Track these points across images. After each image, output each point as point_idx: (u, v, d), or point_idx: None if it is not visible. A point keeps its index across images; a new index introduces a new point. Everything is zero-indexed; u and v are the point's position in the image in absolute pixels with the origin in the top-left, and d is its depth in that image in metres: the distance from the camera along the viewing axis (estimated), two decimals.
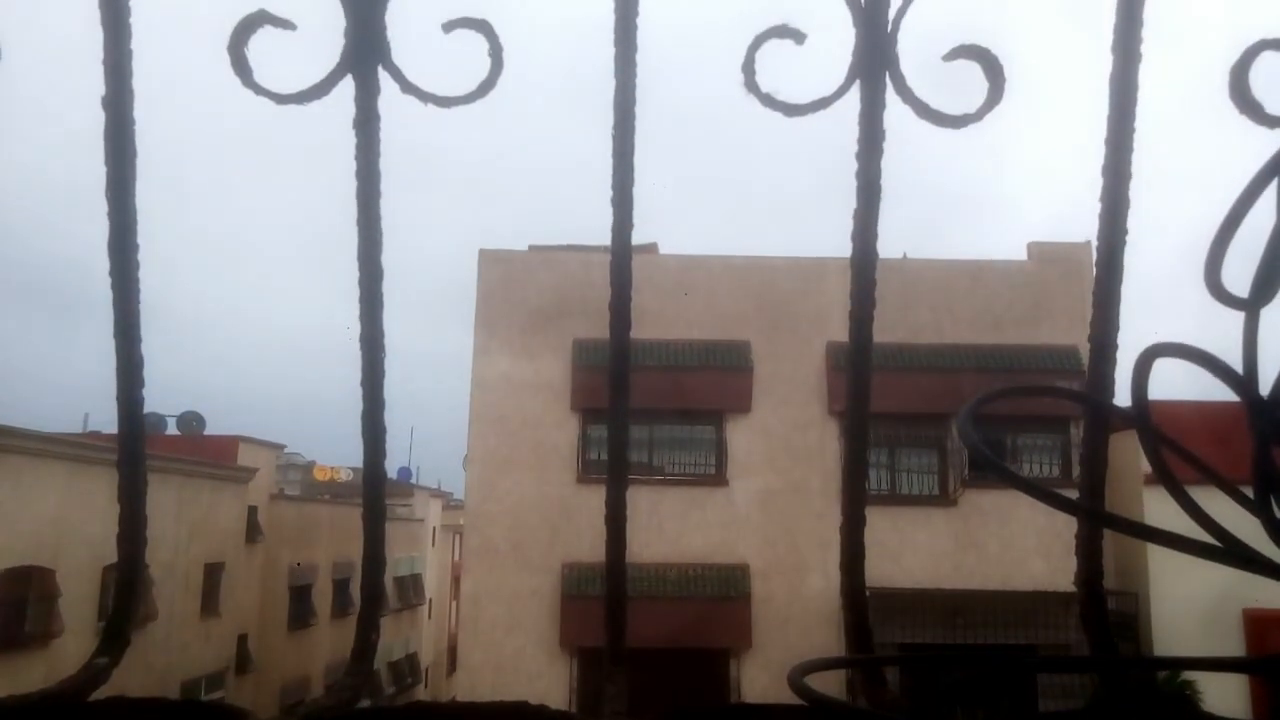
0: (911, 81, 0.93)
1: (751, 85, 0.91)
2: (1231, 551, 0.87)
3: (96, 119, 0.94)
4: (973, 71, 0.92)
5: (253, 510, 26.42)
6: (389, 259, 1.01)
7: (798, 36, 0.91)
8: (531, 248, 17.31)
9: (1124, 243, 0.94)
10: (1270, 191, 0.87)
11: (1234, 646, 13.71)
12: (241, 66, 0.90)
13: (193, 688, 22.07)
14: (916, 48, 0.94)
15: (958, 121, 0.92)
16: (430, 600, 38.91)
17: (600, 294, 1.11)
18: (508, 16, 0.94)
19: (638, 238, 1.01)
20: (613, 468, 1.02)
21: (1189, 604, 13.66)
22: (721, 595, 15.21)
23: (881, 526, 13.68)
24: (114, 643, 0.94)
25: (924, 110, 0.92)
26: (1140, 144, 0.93)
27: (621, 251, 0.99)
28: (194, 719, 0.89)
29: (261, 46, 0.91)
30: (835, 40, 0.94)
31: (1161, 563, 13.83)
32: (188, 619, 22.22)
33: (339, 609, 30.24)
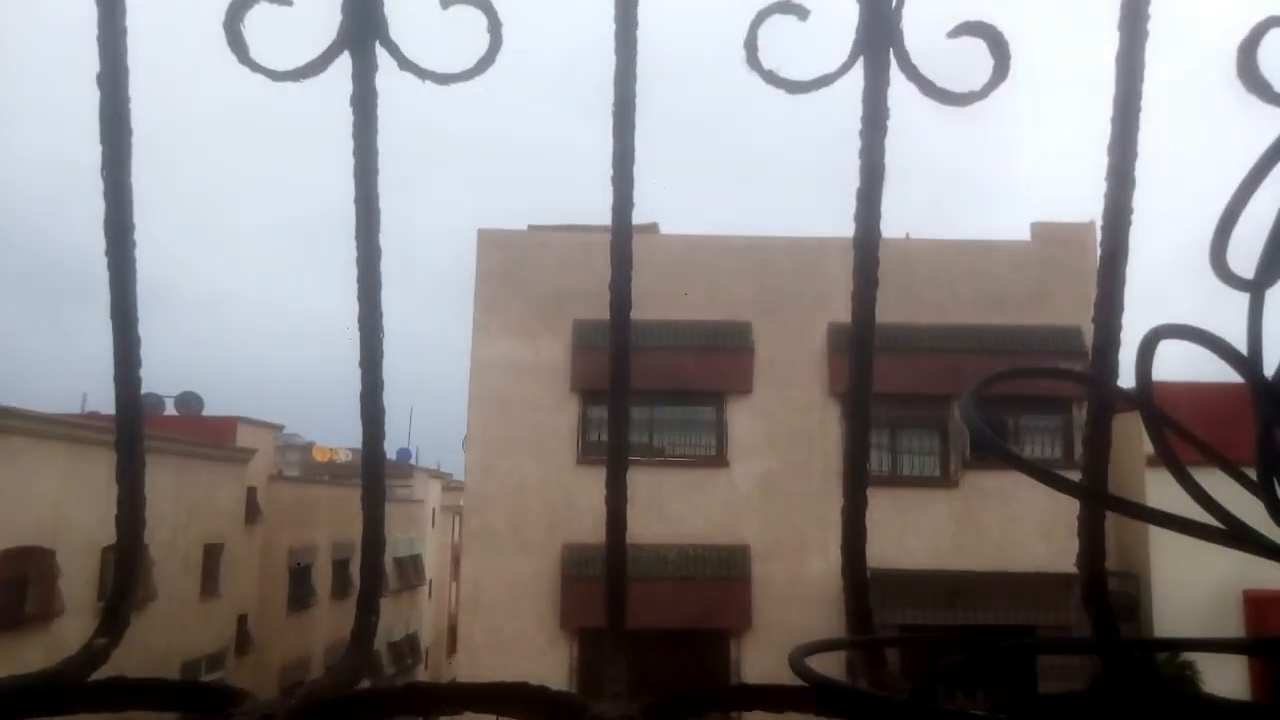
0: (917, 59, 0.91)
1: (754, 62, 0.90)
2: (1234, 534, 0.87)
3: (92, 98, 0.93)
4: (977, 52, 0.90)
5: (252, 491, 26.49)
6: (387, 238, 1.01)
7: (801, 12, 0.90)
8: (531, 228, 17.26)
9: (1129, 223, 0.93)
10: (1277, 173, 0.86)
11: (1234, 628, 13.78)
12: (237, 43, 0.89)
13: (193, 668, 22.20)
14: (921, 26, 0.93)
15: (962, 99, 0.91)
16: (430, 581, 39.09)
17: (600, 274, 1.10)
18: None
19: (638, 217, 1.00)
20: (613, 449, 1.02)
21: (1190, 586, 13.73)
22: (722, 576, 15.27)
23: (882, 508, 13.61)
24: (114, 623, 0.94)
25: (928, 88, 0.91)
26: (1146, 123, 0.92)
27: (621, 231, 0.98)
28: (194, 699, 0.89)
29: (258, 24, 0.89)
30: (839, 17, 0.93)
31: (1163, 545, 13.88)
32: (187, 599, 22.33)
33: (339, 590, 30.38)
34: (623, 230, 0.98)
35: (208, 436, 24.90)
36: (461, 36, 0.90)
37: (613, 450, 1.01)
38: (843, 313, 1.13)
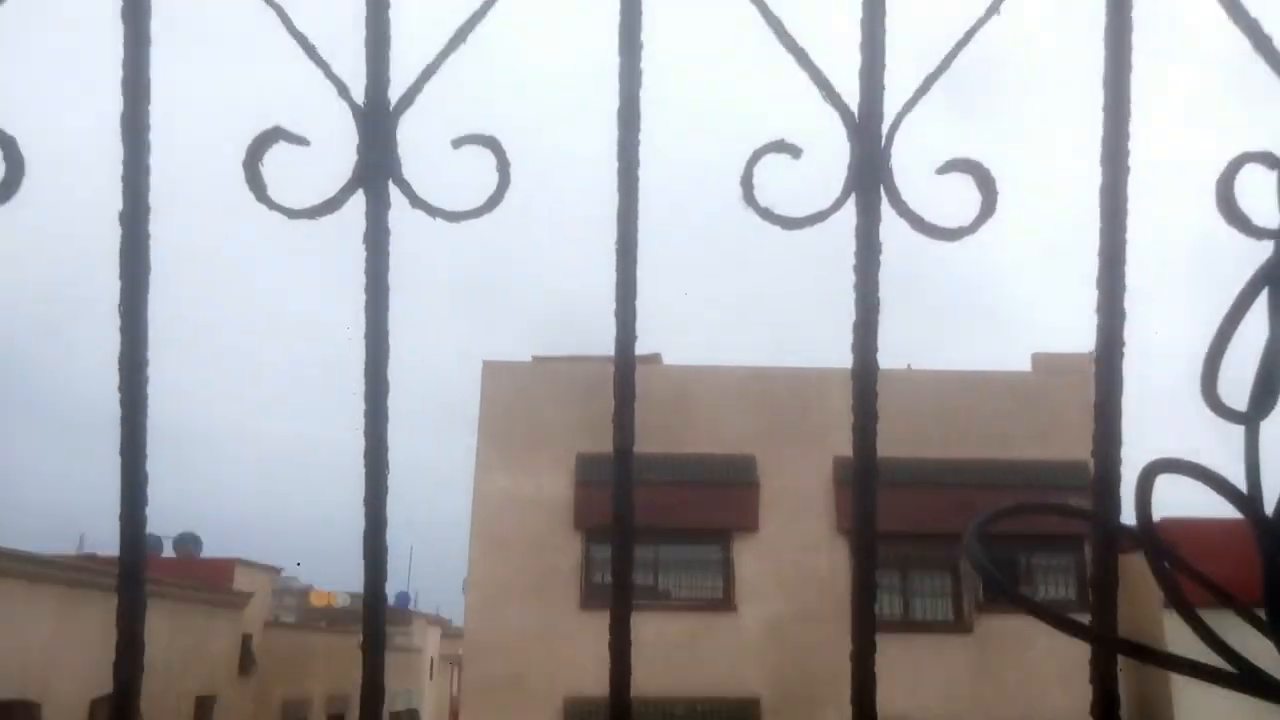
0: (908, 194, 0.95)
1: (750, 199, 0.94)
2: (1245, 678, 0.83)
3: (92, 234, 0.96)
4: (967, 184, 0.94)
5: (247, 639, 25.70)
6: (393, 372, 1.02)
7: (794, 151, 0.94)
8: (535, 359, 17.33)
9: (1122, 354, 0.94)
10: (1261, 304, 0.88)
11: None
12: (256, 182, 0.93)
13: None
14: (915, 156, 0.97)
15: (952, 234, 0.94)
16: None
17: (604, 405, 1.11)
18: (515, 138, 0.97)
19: (641, 349, 1.02)
20: (617, 596, 1.00)
21: None
22: None
23: (895, 654, 13.22)
24: None
25: (919, 224, 0.94)
26: (1134, 255, 0.94)
27: (624, 363, 0.99)
28: None
29: (274, 160, 0.93)
30: (832, 150, 0.97)
31: (1190, 694, 13.30)
32: None
33: None
34: (625, 361, 0.99)
35: (205, 579, 24.38)
36: (469, 172, 0.94)
37: (616, 598, 0.99)
38: (846, 446, 1.13)
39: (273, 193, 0.93)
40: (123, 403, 0.95)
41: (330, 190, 0.94)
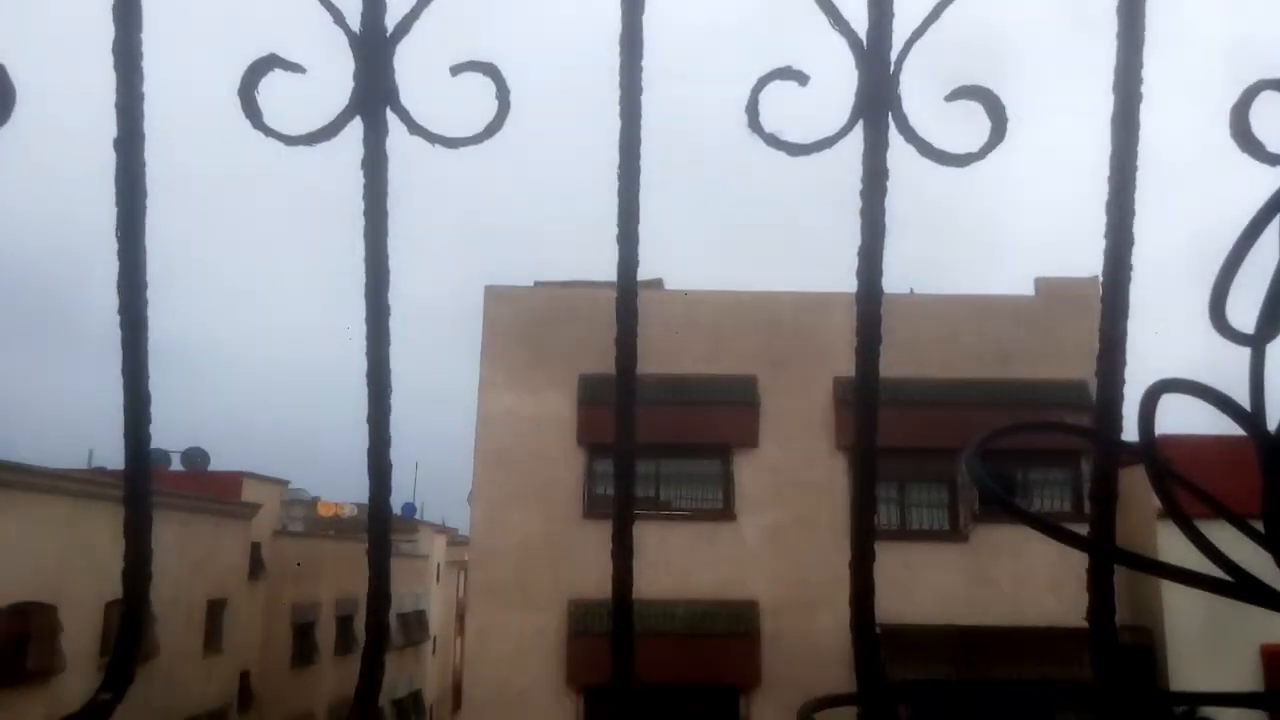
0: (915, 120, 0.94)
1: (755, 126, 0.92)
2: (1241, 587, 0.86)
3: (98, 156, 0.95)
4: (976, 110, 0.92)
5: (256, 547, 26.30)
6: (394, 295, 1.02)
7: (801, 79, 0.92)
8: (537, 284, 17.38)
9: (1129, 279, 0.94)
10: (1273, 228, 0.87)
11: (1252, 682, 13.51)
12: (251, 108, 0.92)
13: None
14: (922, 81, 0.95)
15: (960, 160, 0.93)
16: (435, 637, 38.58)
17: (606, 329, 1.11)
18: (513, 56, 0.95)
19: (643, 273, 1.02)
20: (619, 503, 1.02)
21: (1205, 639, 13.48)
22: (730, 632, 15.06)
23: (892, 562, 13.49)
24: (118, 679, 0.94)
25: (927, 149, 0.93)
26: (1144, 180, 0.93)
27: (627, 287, 0.99)
28: None
29: (271, 88, 0.92)
30: (839, 78, 0.95)
31: (1176, 598, 13.67)
32: (190, 656, 22.05)
33: (342, 646, 29.99)
34: (628, 285, 0.99)
35: (213, 492, 24.82)
36: (470, 99, 0.92)
37: (619, 504, 1.01)
38: (847, 367, 1.14)
39: (270, 120, 0.91)
40: (123, 324, 0.96)
41: (327, 117, 0.93)
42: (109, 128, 0.93)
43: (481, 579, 15.79)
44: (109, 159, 0.93)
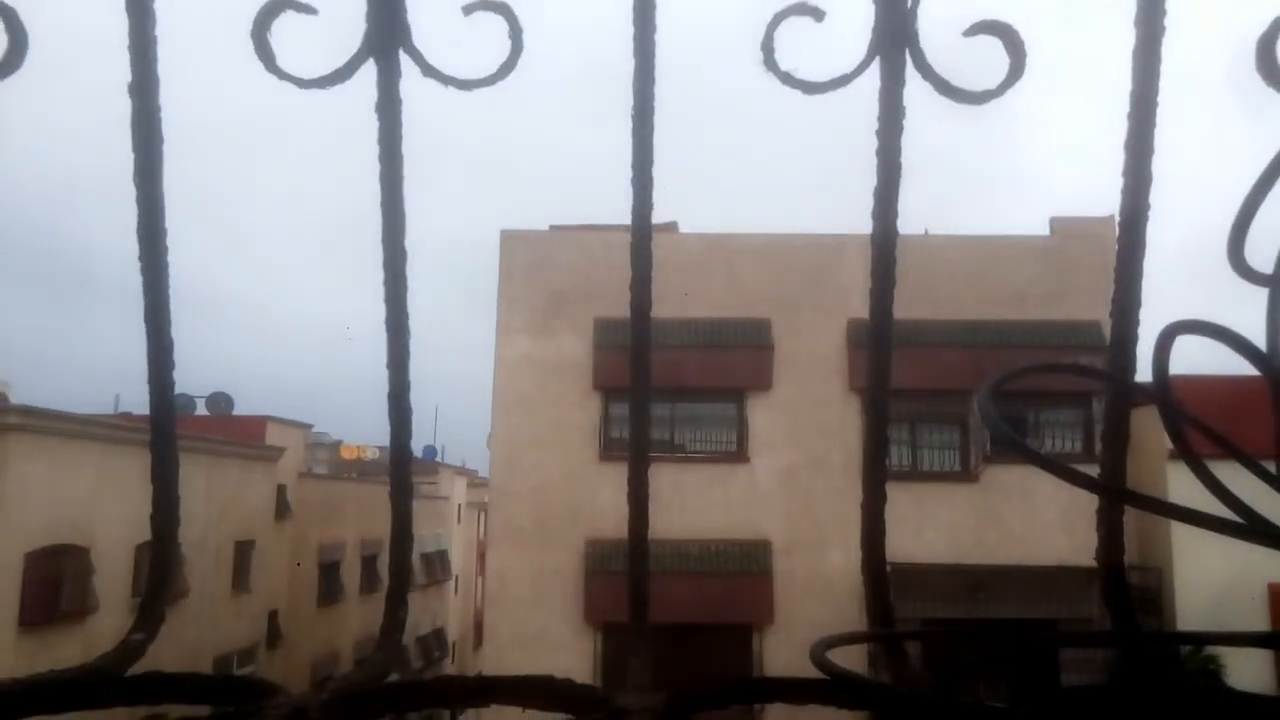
0: (932, 58, 0.92)
1: (770, 63, 0.91)
2: (1251, 528, 0.87)
3: (121, 106, 0.95)
4: (994, 47, 0.91)
5: (281, 489, 26.74)
6: (412, 240, 1.02)
7: (817, 14, 0.91)
8: (552, 228, 17.31)
9: (1146, 218, 0.93)
10: None
11: (1259, 622, 13.61)
12: (264, 52, 0.91)
13: (225, 663, 22.47)
14: (937, 24, 0.93)
15: (978, 98, 0.91)
16: (457, 576, 39.31)
17: (621, 273, 1.12)
18: (527, 5, 0.94)
19: (657, 216, 1.02)
20: (634, 444, 1.03)
21: (1212, 579, 13.56)
22: (744, 570, 15.27)
23: (903, 502, 13.63)
24: (149, 619, 0.97)
25: (944, 87, 0.91)
26: (1164, 119, 0.92)
27: (642, 231, 0.99)
28: (228, 694, 0.91)
29: (284, 33, 0.91)
30: (855, 16, 0.93)
31: (1185, 538, 13.73)
32: (219, 595, 22.59)
33: (367, 585, 30.62)
34: (642, 229, 0.99)
35: (238, 436, 25.15)
36: (483, 41, 0.92)
37: (634, 445, 1.03)
38: (861, 309, 1.14)
39: (283, 64, 0.91)
40: (143, 271, 0.97)
41: (340, 60, 0.92)
42: (125, 73, 0.93)
43: (501, 520, 16.02)
44: (126, 105, 0.93)
